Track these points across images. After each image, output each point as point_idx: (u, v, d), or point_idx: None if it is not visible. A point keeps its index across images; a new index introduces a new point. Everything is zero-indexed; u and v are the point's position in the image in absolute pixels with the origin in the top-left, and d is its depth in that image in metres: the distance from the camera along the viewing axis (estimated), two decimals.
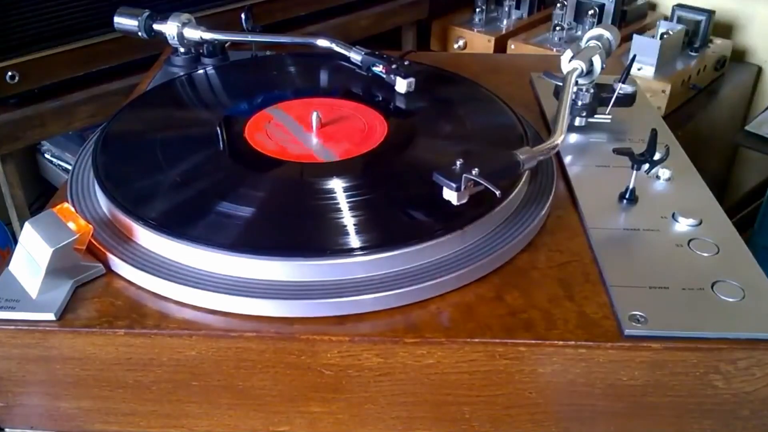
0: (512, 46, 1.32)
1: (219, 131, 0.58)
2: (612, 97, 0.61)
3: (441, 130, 0.60)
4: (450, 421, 0.45)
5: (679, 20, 1.28)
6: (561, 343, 0.41)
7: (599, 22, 1.32)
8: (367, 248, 0.44)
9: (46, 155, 1.21)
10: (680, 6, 1.30)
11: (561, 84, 0.58)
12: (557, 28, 1.33)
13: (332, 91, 0.66)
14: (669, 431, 0.44)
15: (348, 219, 0.47)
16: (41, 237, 0.43)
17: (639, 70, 1.17)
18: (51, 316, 0.42)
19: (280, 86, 0.67)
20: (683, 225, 0.50)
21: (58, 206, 0.45)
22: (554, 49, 1.29)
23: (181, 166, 0.53)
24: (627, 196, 0.52)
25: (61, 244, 0.42)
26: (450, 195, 0.45)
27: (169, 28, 0.71)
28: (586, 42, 0.63)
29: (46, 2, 0.89)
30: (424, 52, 1.05)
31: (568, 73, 0.59)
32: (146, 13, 0.71)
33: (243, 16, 0.72)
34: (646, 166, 0.51)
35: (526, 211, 0.50)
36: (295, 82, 0.70)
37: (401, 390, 0.43)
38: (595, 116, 0.62)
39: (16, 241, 0.61)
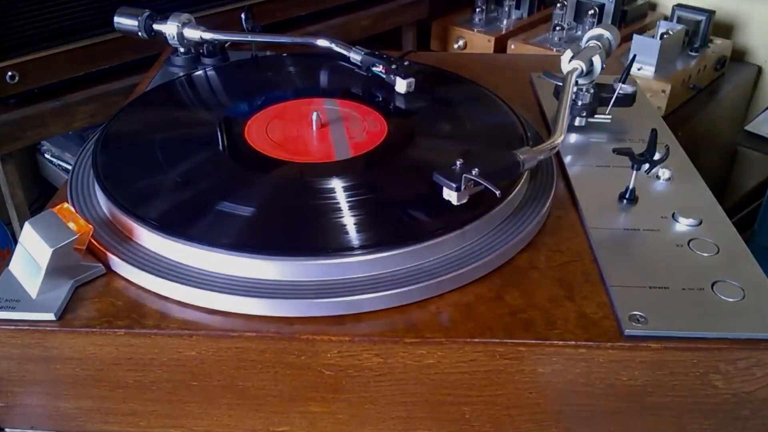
0: (512, 46, 1.32)
1: (219, 131, 0.58)
2: (612, 97, 0.61)
3: (441, 130, 0.60)
4: (450, 421, 0.45)
5: (679, 20, 1.28)
6: (561, 343, 0.41)
7: (599, 22, 1.32)
8: (367, 248, 0.44)
9: (46, 155, 1.21)
10: (680, 6, 1.30)
11: (561, 84, 0.58)
12: (557, 28, 1.33)
13: (332, 92, 0.66)
14: (669, 431, 0.44)
15: (348, 219, 0.47)
16: (41, 237, 0.43)
17: (639, 70, 1.17)
18: (51, 316, 0.42)
19: (280, 86, 0.67)
20: (683, 225, 0.50)
21: (58, 206, 0.45)
22: (554, 49, 1.28)
23: (181, 166, 0.53)
24: (627, 196, 0.52)
25: (61, 244, 0.42)
26: (450, 195, 0.45)
27: (169, 28, 0.71)
28: (586, 42, 0.63)
29: (46, 2, 0.89)
30: (424, 52, 1.05)
31: (568, 73, 0.59)
32: (146, 13, 0.71)
33: (243, 16, 0.72)
34: (646, 166, 0.51)
35: (526, 211, 0.50)
36: (295, 83, 0.70)
37: (401, 390, 0.43)
38: (595, 116, 0.62)
39: (16, 241, 0.61)
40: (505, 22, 1.40)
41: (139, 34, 0.72)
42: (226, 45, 0.75)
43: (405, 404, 0.44)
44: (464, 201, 0.45)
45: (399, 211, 0.49)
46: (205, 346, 0.42)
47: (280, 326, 0.42)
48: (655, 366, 0.41)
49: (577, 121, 0.62)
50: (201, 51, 0.73)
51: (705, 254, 0.47)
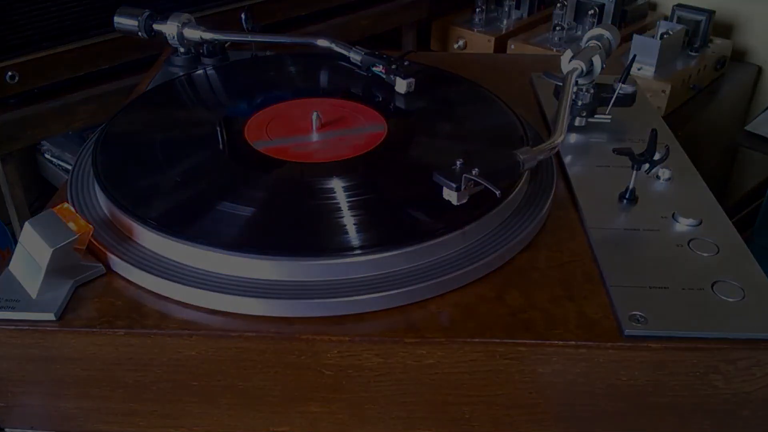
0: (512, 46, 1.32)
1: (219, 131, 0.58)
2: (612, 97, 0.61)
3: (441, 130, 0.60)
4: (450, 421, 0.45)
5: (679, 20, 1.28)
6: (561, 343, 0.41)
7: (599, 22, 1.32)
8: (367, 248, 0.44)
9: (46, 155, 1.21)
10: (680, 6, 1.30)
11: (561, 84, 0.58)
12: (557, 28, 1.33)
13: (332, 91, 0.66)
14: (669, 431, 0.44)
15: (348, 219, 0.47)
16: (41, 237, 0.43)
17: (639, 70, 1.17)
18: (51, 316, 0.42)
19: (280, 86, 0.67)
20: (683, 225, 0.50)
21: (58, 206, 0.45)
22: (554, 49, 1.29)
23: (181, 165, 0.53)
24: (627, 196, 0.52)
25: (61, 244, 0.42)
26: (450, 195, 0.45)
27: (169, 28, 0.71)
28: (586, 42, 0.63)
29: (46, 2, 0.89)
30: (424, 52, 1.05)
31: (568, 73, 0.59)
32: (146, 13, 0.71)
33: (243, 16, 0.72)
34: (646, 166, 0.51)
35: (526, 211, 0.50)
36: (295, 82, 0.70)
37: (401, 390, 0.43)
38: (595, 116, 0.62)
39: (16, 241, 0.61)
40: (505, 22, 1.40)
41: (139, 34, 0.72)
42: (226, 45, 0.75)
43: (405, 404, 0.44)
44: (464, 201, 0.45)
45: (399, 211, 0.49)
46: (205, 346, 0.42)
47: (280, 326, 0.42)
48: (655, 366, 0.41)
49: (577, 121, 0.62)
50: (201, 51, 0.73)
51: (705, 254, 0.47)
